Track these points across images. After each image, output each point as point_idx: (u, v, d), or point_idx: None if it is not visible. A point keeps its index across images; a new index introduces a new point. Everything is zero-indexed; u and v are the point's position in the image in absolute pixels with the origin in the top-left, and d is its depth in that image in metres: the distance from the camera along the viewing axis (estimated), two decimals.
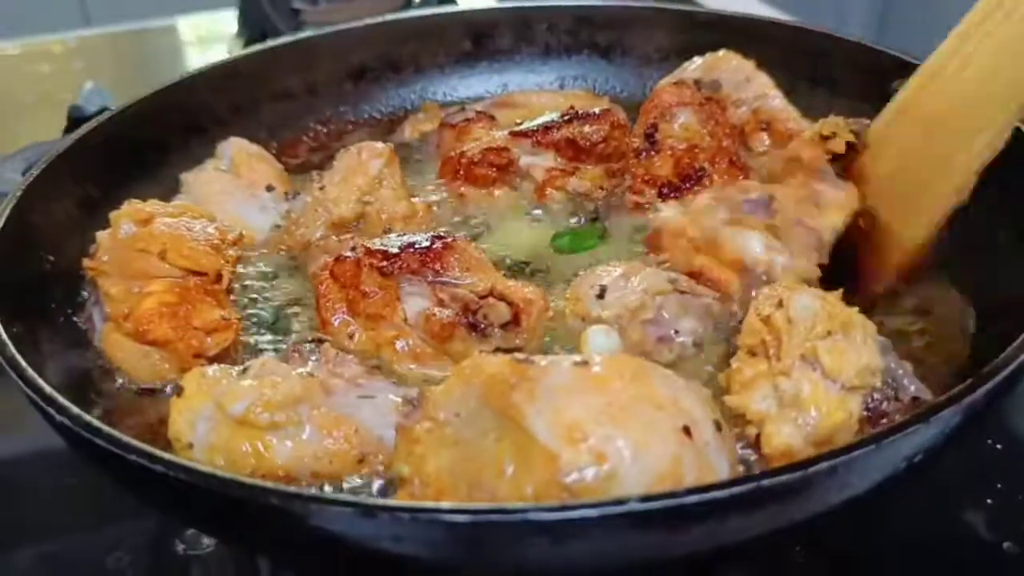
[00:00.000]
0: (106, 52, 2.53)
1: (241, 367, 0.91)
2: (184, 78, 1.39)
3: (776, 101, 1.32)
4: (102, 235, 1.05)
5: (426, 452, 0.79)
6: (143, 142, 1.29)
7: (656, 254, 1.10)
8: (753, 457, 0.87)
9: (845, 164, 1.08)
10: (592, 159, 1.27)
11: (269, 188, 1.24)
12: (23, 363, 0.83)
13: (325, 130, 1.50)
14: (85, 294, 1.08)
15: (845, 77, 1.35)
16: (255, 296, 1.12)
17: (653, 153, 1.24)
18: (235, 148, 1.27)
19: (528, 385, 0.76)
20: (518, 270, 1.14)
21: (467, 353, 0.94)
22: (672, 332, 0.97)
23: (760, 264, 1.02)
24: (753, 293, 0.98)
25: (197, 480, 0.69)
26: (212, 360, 0.98)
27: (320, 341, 0.96)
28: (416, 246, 1.02)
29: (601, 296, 1.00)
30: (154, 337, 0.97)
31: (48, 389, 0.80)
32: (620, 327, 0.97)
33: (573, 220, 1.23)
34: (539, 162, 1.26)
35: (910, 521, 1.02)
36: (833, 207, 1.06)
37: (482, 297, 0.99)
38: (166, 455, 0.71)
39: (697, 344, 0.98)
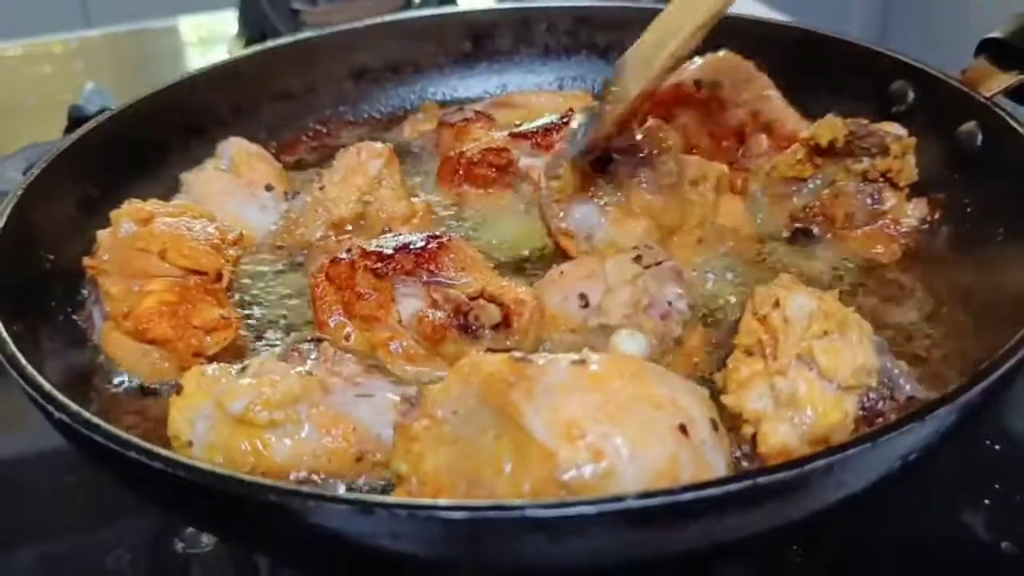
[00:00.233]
0: (107, 53, 2.54)
1: (240, 366, 0.91)
2: (184, 78, 1.39)
3: (775, 102, 1.32)
4: (102, 234, 1.05)
5: (424, 450, 0.79)
6: (143, 142, 1.30)
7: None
8: (750, 457, 0.87)
9: None
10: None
11: (269, 188, 1.24)
12: (23, 361, 0.84)
13: (325, 130, 1.50)
14: (85, 293, 1.08)
15: (844, 78, 1.36)
16: (255, 295, 1.13)
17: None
18: (235, 148, 1.28)
19: (526, 383, 0.76)
20: (518, 268, 1.15)
21: (459, 354, 0.94)
22: (667, 304, 0.98)
23: None
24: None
25: (196, 477, 0.70)
26: (211, 359, 0.99)
27: (319, 340, 0.97)
28: (411, 246, 1.02)
29: (585, 305, 1.00)
30: (154, 336, 0.98)
31: (47, 386, 0.80)
32: (636, 324, 0.97)
33: None
34: (538, 163, 1.27)
35: (908, 521, 1.03)
36: None
37: (472, 299, 0.99)
38: (165, 452, 0.72)
39: (691, 306, 0.99)
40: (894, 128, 1.19)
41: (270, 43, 1.54)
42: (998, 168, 1.13)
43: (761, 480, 0.66)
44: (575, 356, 0.80)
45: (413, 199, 1.24)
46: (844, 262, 1.15)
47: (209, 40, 2.51)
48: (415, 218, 1.21)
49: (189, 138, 1.35)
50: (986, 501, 1.04)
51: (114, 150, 1.24)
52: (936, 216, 1.18)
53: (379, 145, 1.24)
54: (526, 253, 1.18)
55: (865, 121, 1.18)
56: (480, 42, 1.59)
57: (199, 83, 1.39)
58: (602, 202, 1.13)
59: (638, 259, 1.01)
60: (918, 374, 0.93)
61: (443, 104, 1.55)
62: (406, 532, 0.67)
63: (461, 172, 1.28)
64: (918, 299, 1.08)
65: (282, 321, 1.09)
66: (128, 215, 1.04)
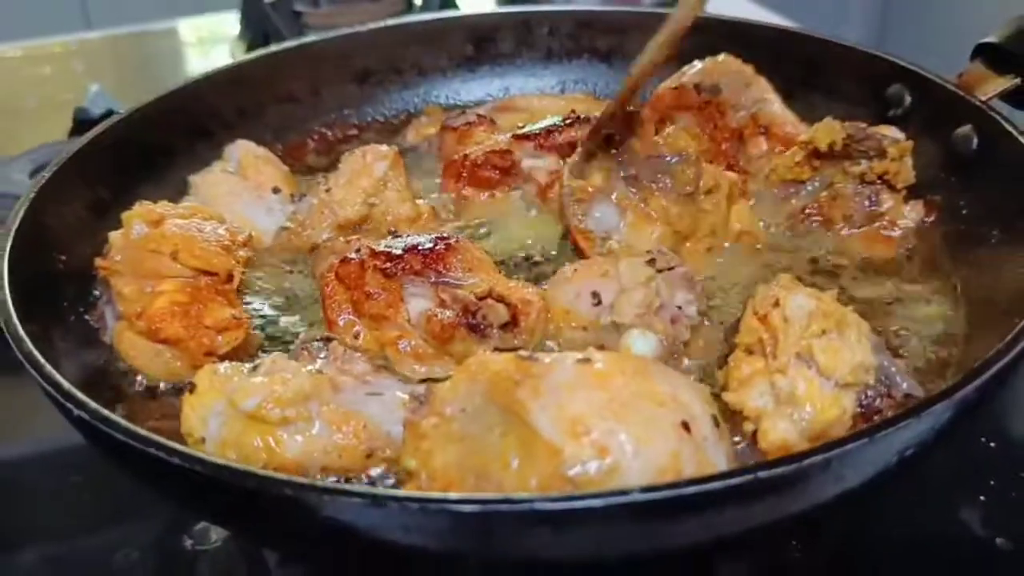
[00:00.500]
0: (107, 54, 2.53)
1: (252, 364, 0.92)
2: (190, 82, 1.40)
3: (774, 105, 1.34)
4: (114, 235, 1.06)
5: (433, 447, 0.81)
6: (151, 145, 1.31)
7: None
8: (750, 452, 0.88)
9: None
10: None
11: (275, 190, 1.25)
12: (41, 359, 0.85)
13: (330, 133, 1.51)
14: (97, 293, 1.09)
15: (843, 82, 1.37)
16: (264, 296, 1.14)
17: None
18: (242, 151, 1.29)
19: (532, 381, 0.78)
20: (523, 269, 1.16)
21: (468, 353, 0.96)
22: (677, 309, 0.99)
23: None
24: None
25: (212, 472, 0.71)
26: (223, 358, 1.00)
27: (329, 339, 0.98)
28: (419, 247, 1.03)
29: (598, 303, 1.02)
30: (166, 335, 0.99)
31: (66, 384, 0.81)
32: (648, 325, 0.99)
33: None
34: (541, 164, 1.28)
35: (905, 518, 1.04)
36: None
37: (481, 298, 1.00)
38: (183, 447, 0.73)
39: (701, 312, 1.01)
40: (891, 131, 1.21)
41: (274, 47, 1.55)
42: (993, 171, 1.14)
43: (761, 474, 0.68)
44: (580, 355, 0.81)
45: (418, 201, 1.25)
46: (842, 262, 1.16)
47: (209, 42, 2.51)
48: (420, 220, 1.22)
49: (196, 141, 1.36)
50: (982, 498, 1.05)
51: (123, 153, 1.25)
52: (932, 218, 1.19)
53: (384, 147, 1.25)
54: (531, 254, 1.19)
55: (863, 124, 1.19)
56: (482, 46, 1.60)
57: (205, 87, 1.40)
58: (622, 205, 1.14)
59: (652, 262, 1.02)
60: (915, 372, 0.95)
61: (446, 107, 1.57)
62: (417, 525, 0.68)
63: (465, 174, 1.29)
64: (915, 299, 1.09)
65: (292, 320, 1.10)
66: (139, 216, 1.06)
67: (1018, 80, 1.19)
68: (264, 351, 1.05)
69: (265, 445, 0.85)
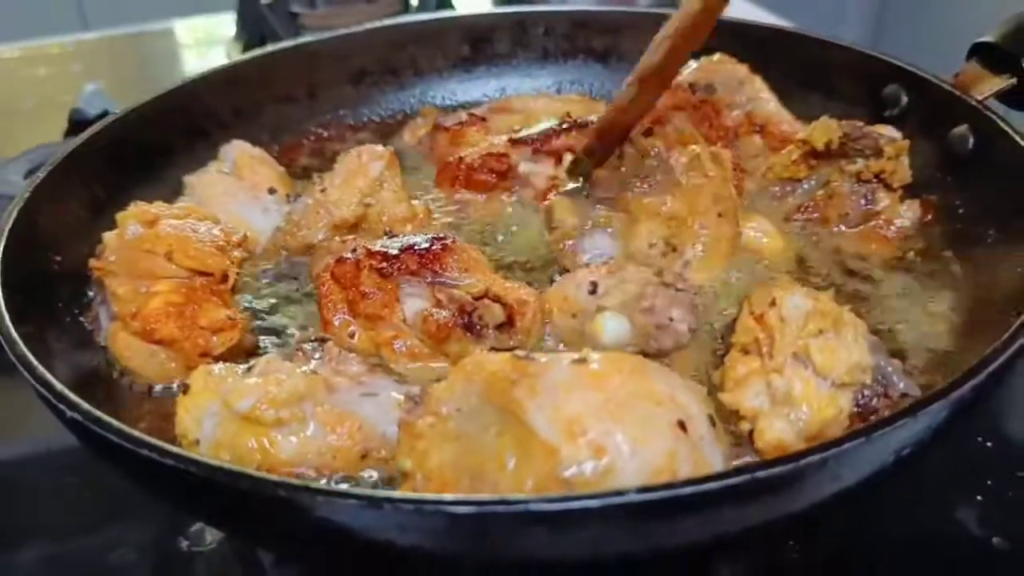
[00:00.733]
0: (104, 55, 2.53)
1: (246, 365, 0.92)
2: (186, 82, 1.39)
3: (770, 104, 1.34)
4: (109, 236, 1.06)
5: (428, 447, 0.80)
6: (146, 145, 1.30)
7: None
8: (747, 452, 0.88)
9: None
10: None
11: (271, 190, 1.25)
12: (34, 361, 0.84)
13: (325, 133, 1.51)
14: (91, 294, 1.09)
15: (839, 82, 1.37)
16: (259, 296, 1.14)
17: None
18: (237, 151, 1.29)
19: (529, 381, 0.78)
20: (518, 270, 1.16)
21: (463, 353, 0.96)
22: (667, 319, 0.99)
23: None
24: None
25: (206, 473, 0.71)
26: (218, 359, 0.99)
27: (323, 340, 0.98)
28: (416, 247, 1.03)
29: (594, 292, 1.01)
30: (161, 336, 0.99)
31: (59, 386, 0.81)
32: (627, 314, 0.98)
33: None
34: (539, 170, 1.27)
35: (902, 517, 1.04)
36: None
37: (477, 298, 1.00)
38: (177, 449, 0.73)
39: (691, 330, 1.00)
40: (888, 130, 1.21)
41: (271, 47, 1.55)
42: (989, 171, 1.15)
43: (758, 474, 0.68)
44: (576, 355, 0.81)
45: (414, 201, 1.25)
46: (838, 261, 1.16)
47: (206, 42, 2.51)
48: (416, 220, 1.22)
49: (191, 141, 1.35)
50: (978, 497, 1.05)
51: (118, 153, 1.25)
52: (929, 217, 1.19)
53: (380, 147, 1.25)
54: (526, 256, 1.19)
55: (859, 123, 1.19)
56: (478, 46, 1.60)
57: (201, 87, 1.40)
58: (609, 228, 1.13)
59: (660, 274, 1.02)
60: (910, 371, 0.95)
61: (442, 108, 1.56)
62: (413, 526, 0.68)
63: (461, 177, 1.29)
64: (912, 298, 1.09)
65: (287, 321, 1.10)
66: (134, 217, 1.05)
67: (1014, 80, 1.19)
68: (259, 352, 1.04)
69: (260, 446, 0.85)
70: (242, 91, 1.44)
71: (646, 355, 0.92)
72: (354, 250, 1.04)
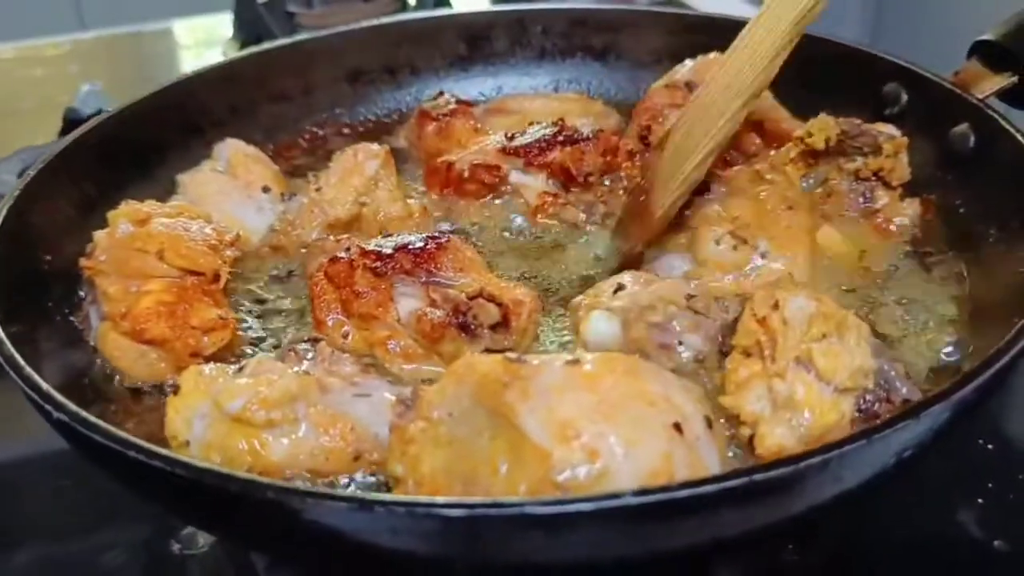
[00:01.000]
0: (101, 55, 2.53)
1: (237, 365, 0.91)
2: (181, 79, 1.39)
3: (767, 102, 1.33)
4: (99, 235, 1.05)
5: (420, 452, 0.79)
6: (140, 143, 1.29)
7: None
8: (746, 458, 0.87)
9: None
10: (584, 186, 1.27)
11: (265, 189, 1.24)
12: (21, 362, 0.84)
13: (321, 132, 1.50)
14: (82, 293, 1.08)
15: (836, 80, 1.36)
16: (251, 296, 1.13)
17: (648, 155, 1.25)
18: (232, 149, 1.28)
19: (521, 384, 0.77)
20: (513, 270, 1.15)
21: (458, 353, 0.95)
22: (676, 342, 0.96)
23: None
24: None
25: (195, 476, 0.70)
26: (209, 359, 0.99)
27: (316, 340, 0.97)
28: (410, 247, 1.02)
29: (617, 291, 0.99)
30: (151, 336, 0.98)
31: (46, 387, 0.80)
32: (625, 320, 0.96)
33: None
34: (531, 183, 1.26)
35: (903, 520, 1.03)
36: None
37: (472, 298, 0.99)
38: (164, 451, 0.72)
39: (699, 360, 0.96)
40: (887, 128, 1.20)
41: (266, 45, 1.54)
42: (990, 170, 1.14)
43: (757, 477, 0.67)
44: (569, 356, 0.80)
45: (409, 200, 1.24)
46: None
47: (204, 43, 2.51)
48: (411, 219, 1.21)
49: (186, 139, 1.35)
50: (979, 500, 1.04)
51: (111, 151, 1.24)
52: (929, 216, 1.18)
53: (375, 146, 1.25)
54: (520, 256, 1.18)
55: (858, 120, 1.18)
56: (476, 44, 1.59)
57: (195, 84, 1.39)
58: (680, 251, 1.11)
59: (690, 298, 0.98)
60: (912, 373, 0.94)
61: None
62: (404, 529, 0.67)
63: (451, 187, 1.27)
64: (911, 299, 1.08)
65: (279, 321, 1.09)
66: (125, 215, 1.05)
67: (1015, 78, 1.18)
68: (251, 352, 1.04)
69: (250, 448, 0.84)
70: (237, 89, 1.43)
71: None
72: (348, 249, 1.03)
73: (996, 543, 1.00)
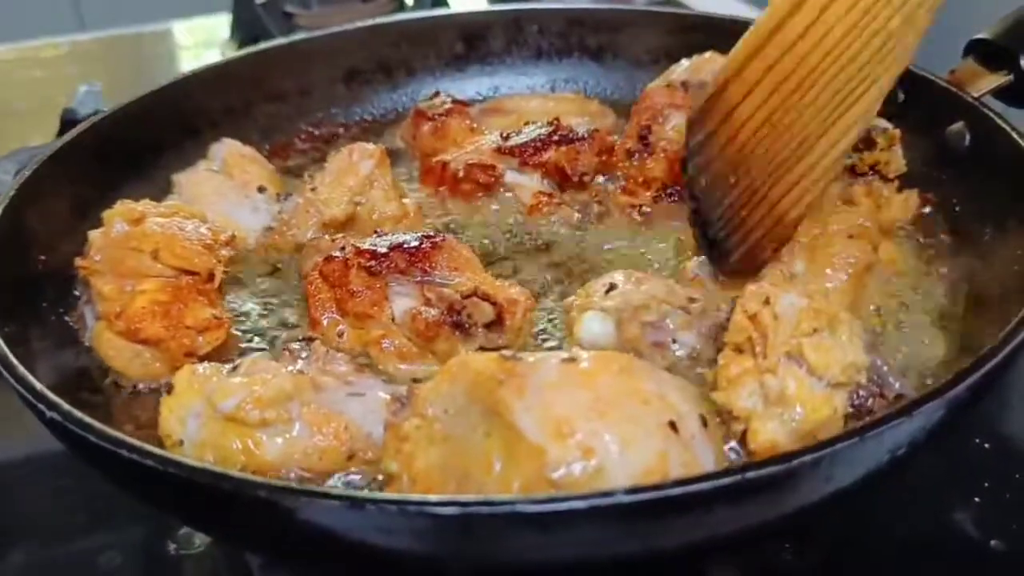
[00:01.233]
0: (100, 56, 2.52)
1: (231, 365, 0.91)
2: (177, 80, 1.39)
3: None
4: (94, 234, 1.05)
5: (415, 449, 0.79)
6: (136, 143, 1.29)
7: None
8: (740, 453, 0.87)
9: None
10: (578, 186, 1.27)
11: (261, 189, 1.24)
12: (15, 361, 0.84)
13: (317, 132, 1.50)
14: (77, 293, 1.08)
15: None
16: (246, 296, 1.13)
17: (647, 155, 1.25)
18: (227, 149, 1.28)
19: (516, 381, 0.76)
20: (506, 268, 1.15)
21: (452, 352, 0.95)
22: (670, 340, 0.96)
23: None
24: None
25: (188, 475, 0.70)
26: (203, 359, 0.98)
27: (310, 339, 0.97)
28: (405, 246, 1.02)
29: (609, 290, 0.99)
30: (146, 336, 0.98)
31: (39, 386, 0.80)
32: (619, 320, 0.96)
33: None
34: (526, 182, 1.26)
35: (899, 519, 1.03)
36: None
37: (466, 297, 0.99)
38: (157, 450, 0.72)
39: (692, 358, 0.97)
40: (879, 121, 1.19)
41: (262, 45, 1.54)
42: (986, 168, 1.14)
43: (750, 474, 0.67)
44: (564, 354, 0.80)
45: (404, 200, 1.24)
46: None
47: (202, 44, 2.51)
48: (406, 219, 1.21)
49: (181, 139, 1.35)
50: (976, 499, 1.04)
51: (107, 151, 1.24)
52: (927, 209, 1.18)
53: (370, 146, 1.24)
54: (514, 255, 1.18)
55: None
56: (472, 44, 1.59)
57: (192, 84, 1.39)
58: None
59: (692, 300, 0.98)
60: (906, 370, 0.94)
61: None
62: (397, 527, 0.67)
63: (446, 186, 1.27)
64: (907, 297, 1.08)
65: (274, 320, 1.09)
66: (120, 215, 1.04)
67: (1011, 76, 1.18)
68: (246, 351, 1.03)
69: (244, 447, 0.84)
70: (233, 89, 1.43)
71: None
72: (343, 248, 1.03)
73: (993, 543, 0.99)
